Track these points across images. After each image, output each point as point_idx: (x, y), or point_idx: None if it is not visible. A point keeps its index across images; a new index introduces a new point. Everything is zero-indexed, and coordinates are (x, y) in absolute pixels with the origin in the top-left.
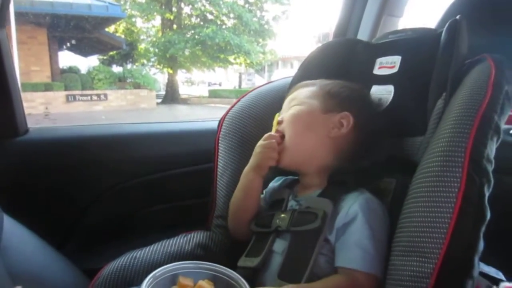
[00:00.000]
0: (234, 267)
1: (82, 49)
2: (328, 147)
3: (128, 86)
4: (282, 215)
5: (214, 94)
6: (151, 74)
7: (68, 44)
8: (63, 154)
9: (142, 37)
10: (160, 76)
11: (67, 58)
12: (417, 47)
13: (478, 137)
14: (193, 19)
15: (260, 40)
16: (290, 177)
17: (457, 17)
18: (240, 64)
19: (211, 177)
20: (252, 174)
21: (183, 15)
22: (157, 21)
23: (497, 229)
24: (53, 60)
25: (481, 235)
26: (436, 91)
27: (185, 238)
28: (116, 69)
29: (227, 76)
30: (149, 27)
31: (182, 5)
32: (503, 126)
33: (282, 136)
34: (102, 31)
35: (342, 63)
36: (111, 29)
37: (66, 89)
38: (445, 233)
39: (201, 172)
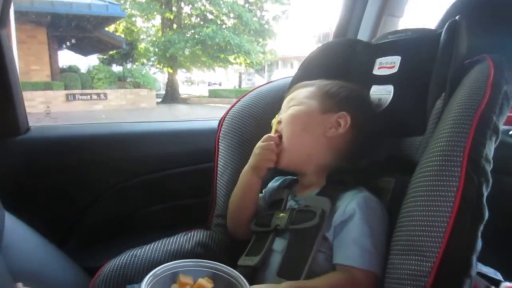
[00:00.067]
0: (234, 266)
1: (82, 48)
2: (326, 146)
3: (128, 85)
4: (281, 215)
5: (214, 94)
6: (151, 73)
7: (68, 43)
8: (64, 152)
9: (142, 36)
10: (160, 76)
11: (67, 57)
12: (416, 48)
13: (477, 137)
14: (193, 19)
15: (260, 40)
16: (289, 177)
17: (457, 17)
18: (240, 64)
19: (211, 177)
20: (251, 174)
21: (183, 14)
22: (157, 20)
23: (497, 229)
24: (53, 59)
25: (479, 234)
26: (436, 91)
27: (185, 237)
28: (116, 68)
29: (227, 76)
30: (149, 26)
31: (182, 4)
32: (503, 127)
33: (281, 137)
34: (102, 31)
35: (342, 63)
36: (111, 28)
37: (65, 88)
38: (443, 232)
39: (201, 172)
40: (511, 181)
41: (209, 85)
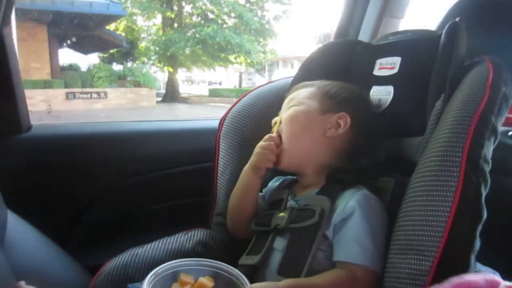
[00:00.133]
0: (235, 266)
1: (83, 47)
2: (326, 147)
3: (128, 84)
4: (281, 214)
5: (214, 93)
6: (151, 72)
7: (69, 42)
8: (65, 151)
9: (142, 35)
10: (160, 75)
11: (67, 56)
12: (416, 49)
13: (476, 138)
14: (194, 18)
15: (261, 39)
16: (289, 177)
17: (457, 19)
18: (241, 63)
19: (211, 176)
20: (250, 174)
21: (184, 13)
22: (158, 19)
23: (495, 229)
24: (53, 57)
25: (478, 234)
26: (435, 92)
27: (186, 236)
28: (117, 67)
29: (228, 75)
30: (149, 25)
31: (183, 3)
32: (502, 128)
33: (281, 137)
34: (102, 29)
35: (343, 64)
36: (111, 27)
37: (66, 86)
38: (442, 232)
39: (201, 171)
40: (510, 182)
41: (209, 84)
